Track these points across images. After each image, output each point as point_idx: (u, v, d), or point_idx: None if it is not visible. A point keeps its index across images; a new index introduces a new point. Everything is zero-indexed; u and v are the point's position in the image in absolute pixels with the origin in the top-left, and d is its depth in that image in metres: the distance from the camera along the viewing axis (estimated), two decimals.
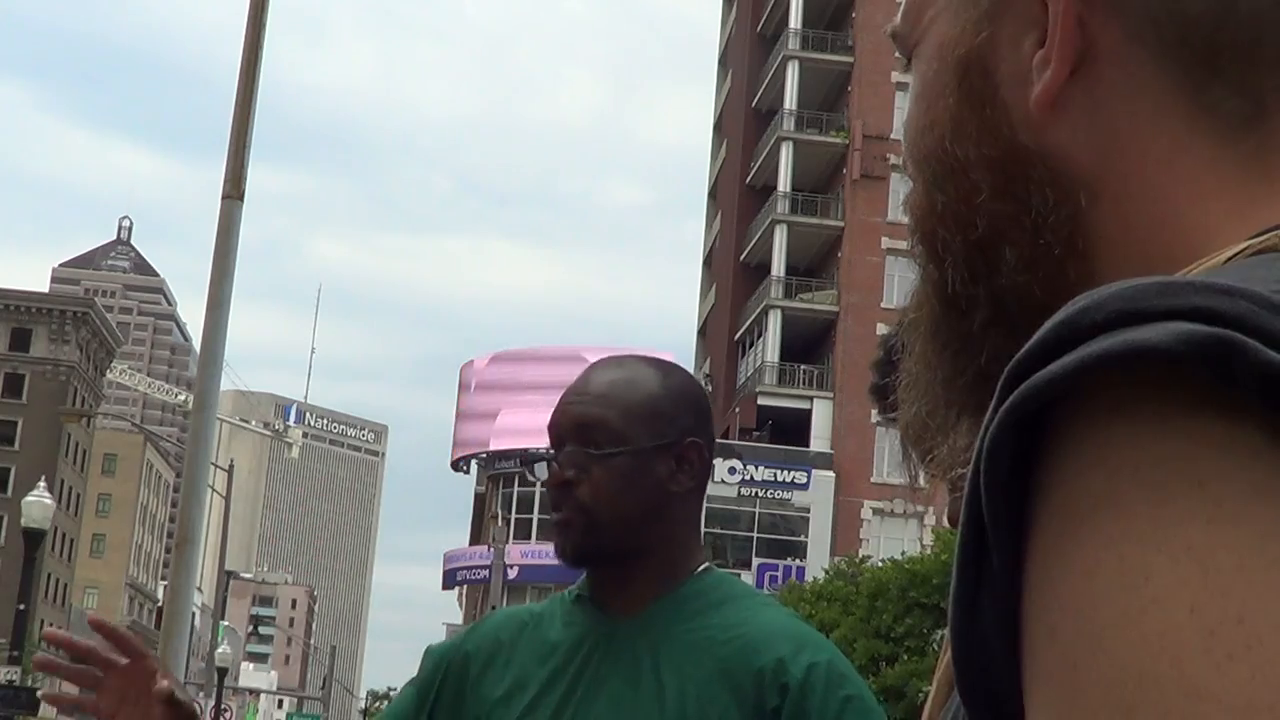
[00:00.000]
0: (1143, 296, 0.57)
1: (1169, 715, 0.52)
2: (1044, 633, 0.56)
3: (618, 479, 2.06)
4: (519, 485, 59.73)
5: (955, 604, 0.61)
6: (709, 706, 2.00)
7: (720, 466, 54.39)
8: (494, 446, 61.11)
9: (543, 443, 2.20)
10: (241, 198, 9.38)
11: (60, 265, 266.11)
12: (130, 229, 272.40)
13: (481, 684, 2.14)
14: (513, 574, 51.62)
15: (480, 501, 66.74)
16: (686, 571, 2.12)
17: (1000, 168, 0.72)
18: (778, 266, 58.34)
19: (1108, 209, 0.70)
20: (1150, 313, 0.56)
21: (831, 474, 54.52)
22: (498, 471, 61.09)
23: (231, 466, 42.93)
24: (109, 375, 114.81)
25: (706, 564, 2.16)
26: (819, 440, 55.58)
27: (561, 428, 2.12)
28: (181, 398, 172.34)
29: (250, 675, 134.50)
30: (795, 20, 60.10)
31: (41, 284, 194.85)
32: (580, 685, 2.07)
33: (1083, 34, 0.71)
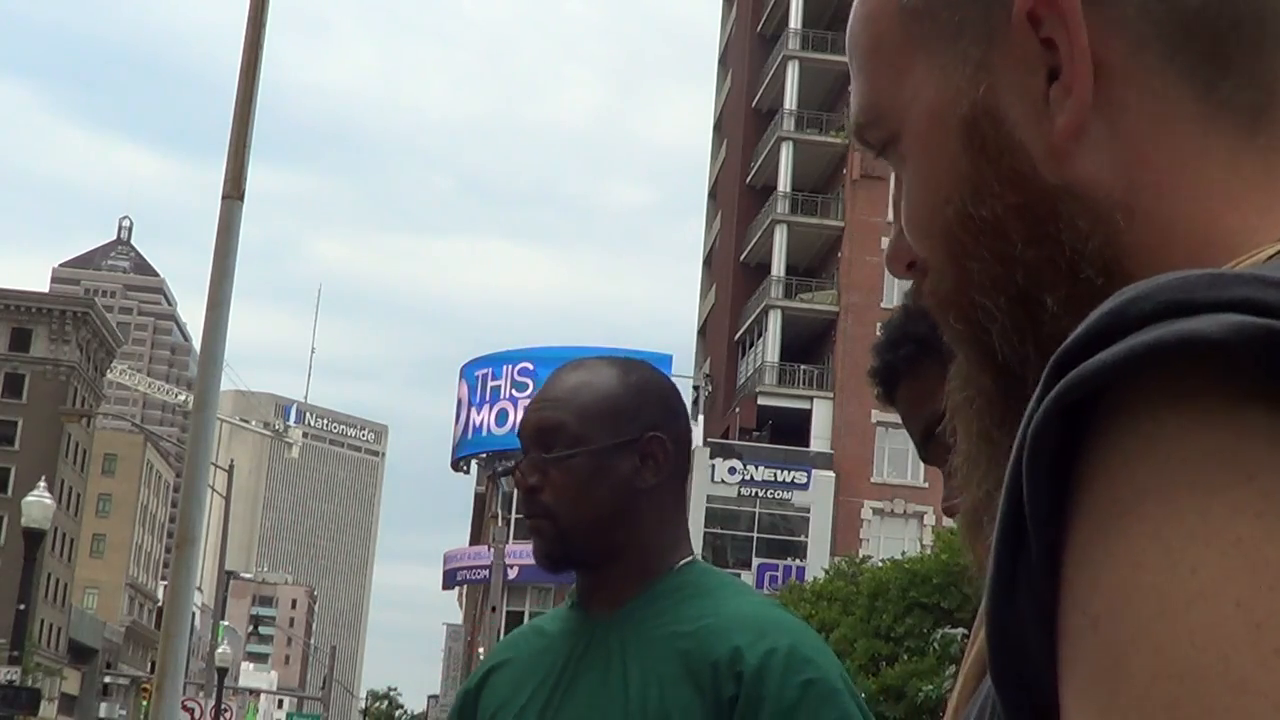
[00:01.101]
0: (1192, 287, 0.56)
1: (1214, 709, 0.51)
2: (1086, 623, 0.55)
3: (577, 480, 2.07)
4: None
5: (991, 592, 0.60)
6: (670, 700, 1.99)
7: (720, 466, 54.40)
8: (494, 447, 61.14)
9: None
10: (241, 198, 9.38)
11: (60, 265, 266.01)
12: (130, 229, 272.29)
13: (484, 698, 2.19)
14: (513, 574, 51.57)
15: (480, 501, 66.76)
16: (666, 567, 2.11)
17: (1029, 213, 0.72)
18: (778, 266, 58.35)
19: (1142, 224, 0.70)
20: (1200, 304, 0.56)
21: (831, 474, 54.50)
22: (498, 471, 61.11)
23: (231, 466, 42.93)
24: (109, 375, 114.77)
25: (691, 558, 2.15)
26: (819, 440, 55.57)
27: (524, 435, 2.14)
28: (181, 398, 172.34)
29: (250, 675, 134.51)
30: (795, 20, 60.11)
31: (41, 284, 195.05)
32: (561, 685, 2.09)
33: (1091, 54, 0.70)
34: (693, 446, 2.25)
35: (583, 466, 2.07)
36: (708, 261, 71.56)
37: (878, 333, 1.82)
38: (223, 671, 44.46)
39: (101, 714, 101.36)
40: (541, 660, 2.14)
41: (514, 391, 60.45)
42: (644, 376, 2.16)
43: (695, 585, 2.11)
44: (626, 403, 2.10)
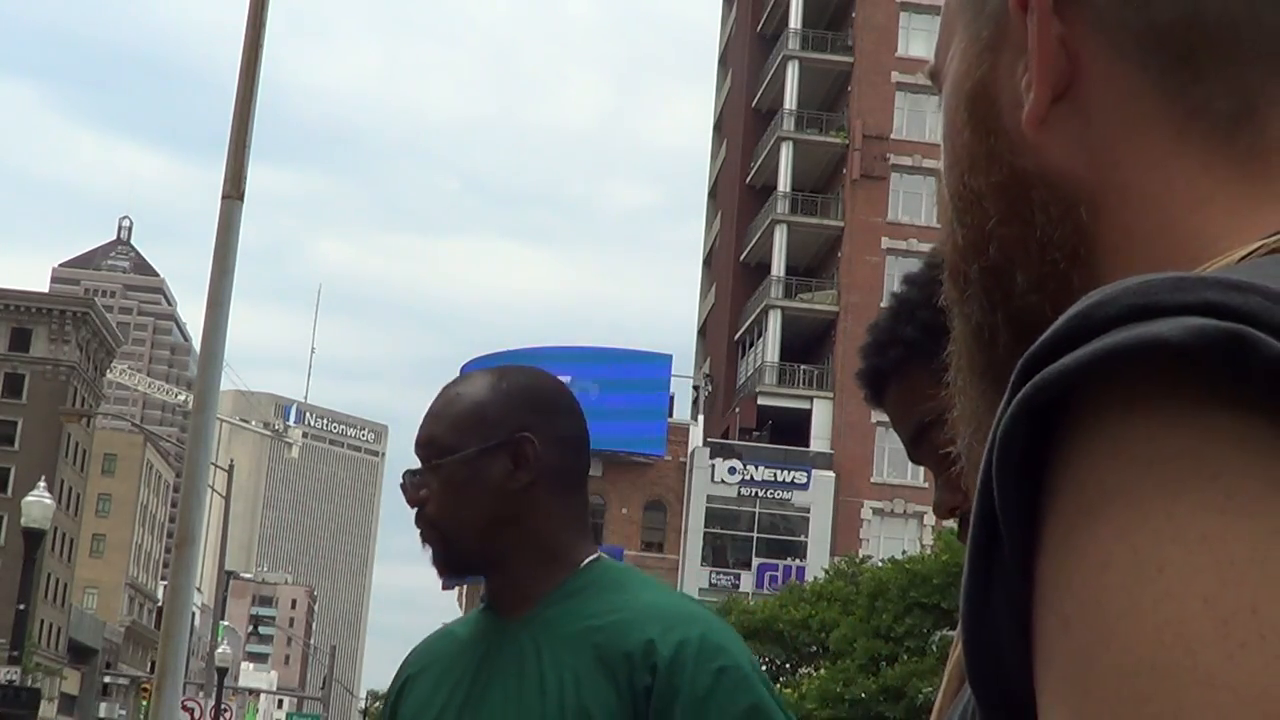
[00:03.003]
0: (1156, 291, 0.57)
1: (1183, 704, 0.52)
2: (1057, 624, 0.56)
3: (452, 489, 2.15)
4: None
5: (966, 595, 0.61)
6: (587, 695, 2.04)
7: (720, 466, 54.41)
8: None
9: None
10: (241, 198, 9.39)
11: (60, 265, 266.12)
12: (130, 229, 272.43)
13: (403, 707, 2.26)
14: None
15: None
16: (571, 565, 2.16)
17: (1005, 192, 0.74)
18: (778, 266, 58.37)
19: (1108, 221, 0.71)
20: (1163, 307, 0.57)
21: (831, 474, 54.52)
22: None
23: (231, 466, 42.95)
24: (109, 375, 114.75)
25: (596, 555, 2.20)
26: (819, 440, 55.59)
27: (416, 452, 2.25)
28: (181, 398, 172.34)
29: (250, 675, 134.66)
30: (795, 20, 60.13)
31: (41, 284, 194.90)
32: (477, 687, 2.15)
33: (1066, 54, 0.72)
34: (588, 446, 2.27)
35: (455, 474, 2.15)
36: (708, 261, 71.57)
37: (868, 329, 1.81)
38: (223, 671, 44.46)
39: (101, 714, 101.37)
40: (456, 664, 2.20)
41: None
42: (518, 382, 2.22)
43: (603, 581, 2.16)
44: (494, 408, 2.17)
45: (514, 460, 2.15)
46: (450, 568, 2.18)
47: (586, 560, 2.18)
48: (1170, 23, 0.71)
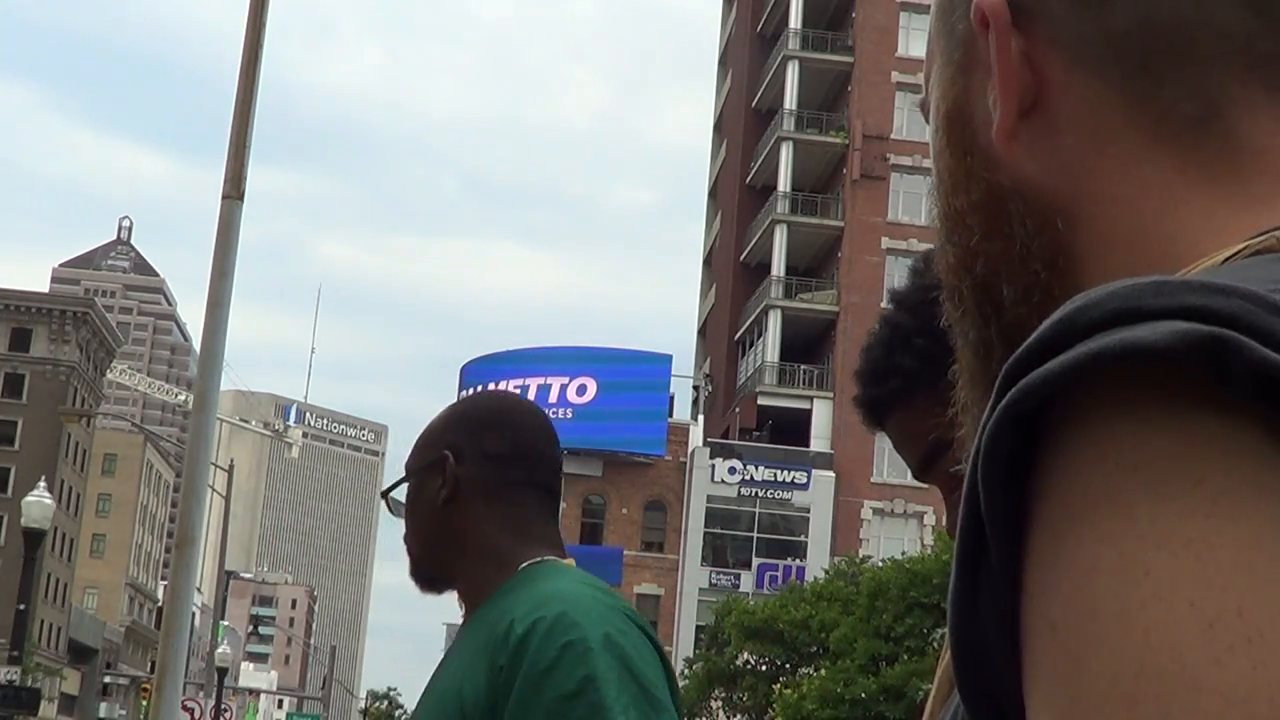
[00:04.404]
0: (1139, 295, 0.58)
1: (1170, 708, 0.53)
2: (1045, 629, 0.57)
3: (408, 507, 2.39)
4: None
5: (954, 601, 0.61)
6: (467, 679, 2.15)
7: (720, 466, 54.41)
8: None
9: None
10: (241, 198, 9.39)
11: (60, 265, 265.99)
12: (130, 229, 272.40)
13: None
14: None
15: None
16: (512, 568, 2.28)
17: (985, 209, 0.76)
18: (778, 266, 58.38)
19: (1085, 230, 0.72)
20: (1146, 311, 0.57)
21: (831, 474, 54.52)
22: None
23: (231, 466, 42.93)
24: (109, 375, 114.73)
25: (539, 559, 2.29)
26: (819, 440, 55.59)
27: None
28: (181, 398, 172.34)
29: (250, 675, 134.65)
30: (795, 20, 60.14)
31: (41, 284, 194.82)
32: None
33: (1030, 68, 0.74)
34: (527, 458, 2.39)
35: (408, 495, 2.39)
36: (708, 261, 71.58)
37: (862, 352, 1.76)
38: (223, 671, 44.43)
39: (101, 714, 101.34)
40: None
41: (514, 392, 60.35)
42: (466, 404, 2.46)
43: (526, 578, 2.25)
44: (436, 431, 2.38)
45: (441, 477, 2.33)
46: (417, 578, 2.39)
47: (527, 563, 2.28)
48: (1125, 30, 0.72)
